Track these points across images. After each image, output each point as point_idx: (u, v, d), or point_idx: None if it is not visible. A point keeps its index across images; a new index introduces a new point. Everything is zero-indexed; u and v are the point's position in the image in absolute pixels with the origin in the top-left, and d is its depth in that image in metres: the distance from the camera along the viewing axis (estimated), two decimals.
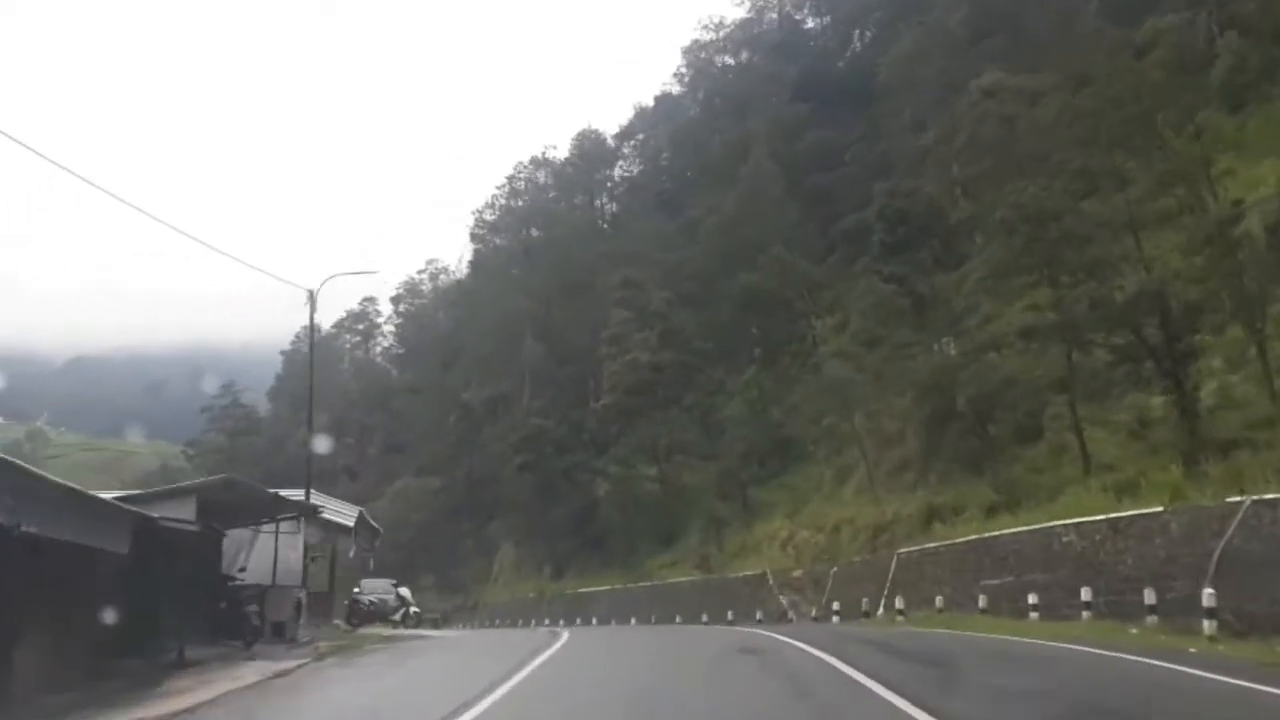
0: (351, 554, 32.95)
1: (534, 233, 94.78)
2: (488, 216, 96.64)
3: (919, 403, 43.73)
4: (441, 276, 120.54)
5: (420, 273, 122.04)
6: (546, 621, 59.01)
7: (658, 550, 58.78)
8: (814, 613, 37.60)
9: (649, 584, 54.33)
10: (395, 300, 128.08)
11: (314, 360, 28.52)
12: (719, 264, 67.01)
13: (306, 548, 28.16)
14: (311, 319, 27.59)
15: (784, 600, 41.48)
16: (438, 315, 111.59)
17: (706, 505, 55.37)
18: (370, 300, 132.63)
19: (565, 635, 24.70)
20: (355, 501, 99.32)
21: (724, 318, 65.60)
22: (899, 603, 30.87)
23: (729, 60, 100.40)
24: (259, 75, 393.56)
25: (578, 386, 78.38)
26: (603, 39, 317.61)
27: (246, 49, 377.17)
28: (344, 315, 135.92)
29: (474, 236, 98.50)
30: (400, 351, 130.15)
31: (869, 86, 72.53)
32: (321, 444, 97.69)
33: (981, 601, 26.54)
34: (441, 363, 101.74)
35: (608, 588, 57.98)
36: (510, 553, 78.20)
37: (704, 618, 44.33)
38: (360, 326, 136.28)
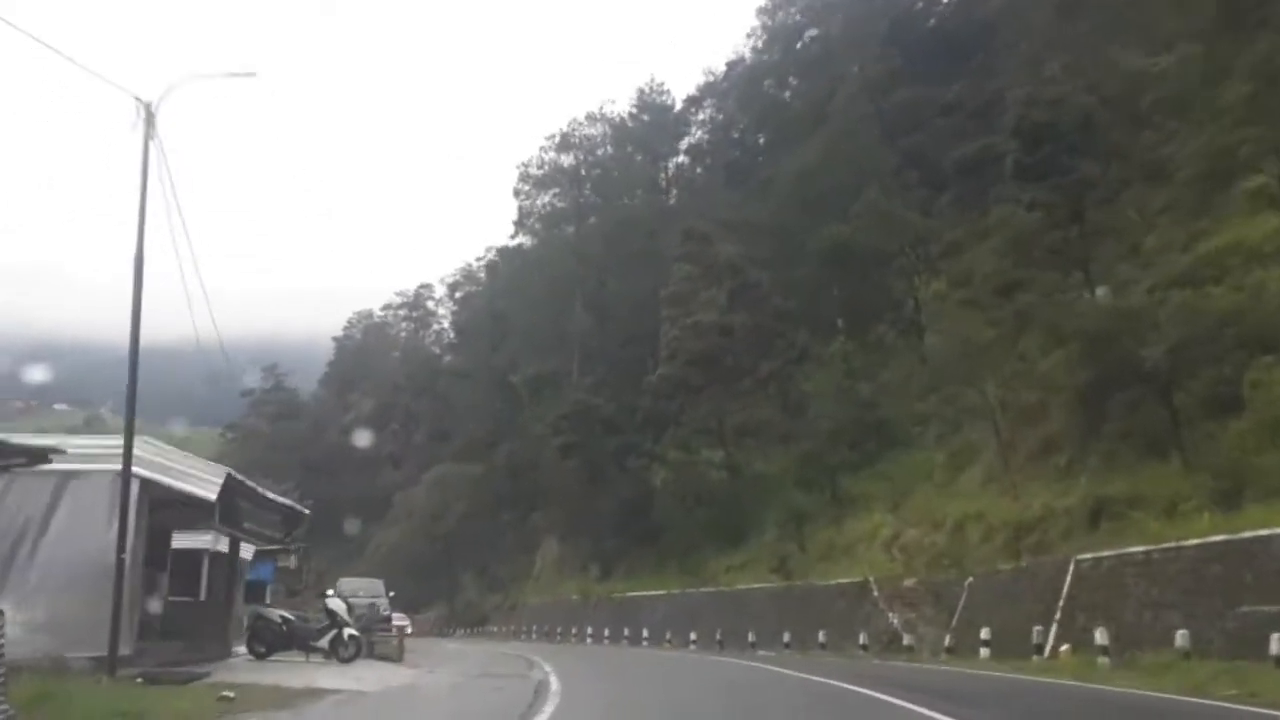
0: (214, 543, 21.84)
1: (587, 192, 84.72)
2: (534, 171, 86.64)
3: (1075, 364, 33.45)
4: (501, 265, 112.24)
5: (479, 260, 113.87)
6: (590, 632, 49.36)
7: (724, 549, 48.71)
8: (947, 641, 27.21)
9: (713, 590, 44.29)
10: (452, 287, 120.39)
11: (146, 209, 16.08)
12: (800, 217, 56.75)
13: (128, 521, 16.67)
14: (146, 145, 16.20)
15: (895, 619, 31.26)
16: (490, 293, 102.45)
17: (785, 496, 45.14)
18: (426, 287, 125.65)
19: (553, 702, 13.97)
20: (390, 490, 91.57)
21: (805, 278, 55.25)
22: (1099, 636, 20.46)
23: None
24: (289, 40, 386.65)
25: (634, 365, 68.10)
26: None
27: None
28: (397, 300, 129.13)
29: (517, 193, 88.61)
30: (454, 339, 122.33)
31: (968, 37, 62.42)
32: (362, 438, 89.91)
33: (1275, 645, 16.11)
34: (490, 345, 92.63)
35: (662, 592, 48.00)
36: (553, 548, 68.49)
37: (785, 638, 34.29)
38: (415, 314, 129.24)
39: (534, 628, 58.21)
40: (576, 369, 71.43)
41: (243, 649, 22.00)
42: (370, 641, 24.27)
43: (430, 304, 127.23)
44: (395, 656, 24.23)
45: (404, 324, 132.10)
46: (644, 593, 50.01)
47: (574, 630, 51.20)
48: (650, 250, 68.93)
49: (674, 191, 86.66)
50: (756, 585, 41.29)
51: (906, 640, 29.65)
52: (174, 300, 17.93)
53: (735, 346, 49.43)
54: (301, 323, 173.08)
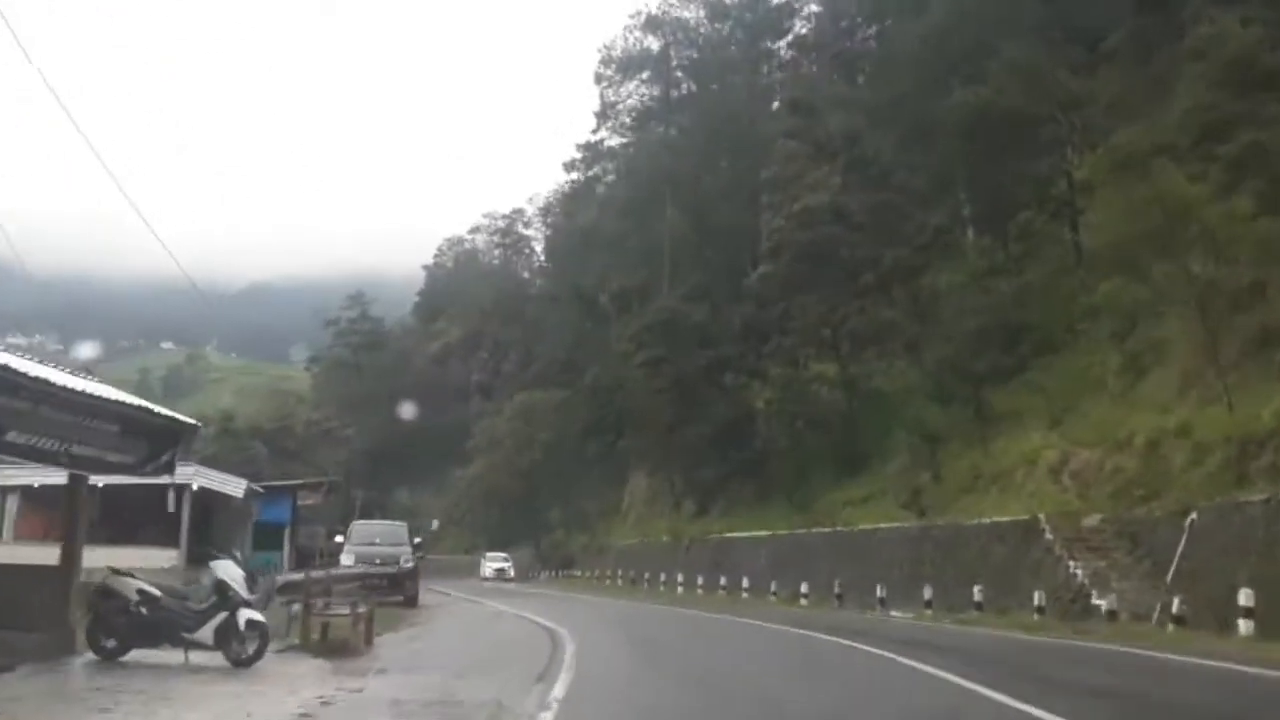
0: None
1: (678, 77, 75.53)
2: (616, 53, 77.57)
3: None
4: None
5: (573, 183, 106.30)
6: (680, 580, 41.94)
7: (841, 480, 40.77)
8: (1175, 606, 18.77)
9: (829, 530, 36.31)
10: (543, 209, 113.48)
11: None
12: (925, 89, 47.38)
13: None
14: None
15: (1078, 570, 22.92)
16: (573, 203, 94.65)
17: (915, 414, 36.83)
18: (518, 212, 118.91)
19: None
20: (469, 420, 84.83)
21: (932, 160, 45.97)
22: None
23: None
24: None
25: (733, 272, 59.67)
26: None
27: None
28: (486, 224, 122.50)
29: (599, 78, 79.66)
30: (544, 263, 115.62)
31: None
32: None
33: None
34: (577, 261, 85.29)
35: (766, 533, 40.20)
36: (642, 483, 61.16)
37: (926, 593, 26.32)
38: (507, 240, 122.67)
39: (620, 572, 51.07)
40: (668, 279, 63.29)
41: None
42: (324, 623, 15.93)
43: (521, 227, 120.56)
44: (356, 645, 15.42)
45: (496, 250, 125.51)
46: (745, 534, 42.31)
47: (663, 577, 43.77)
48: (751, 140, 60.20)
49: (778, 76, 76.80)
50: (884, 525, 33.19)
51: (1099, 601, 21.38)
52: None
53: (851, 235, 41.01)
54: (401, 258, 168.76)
